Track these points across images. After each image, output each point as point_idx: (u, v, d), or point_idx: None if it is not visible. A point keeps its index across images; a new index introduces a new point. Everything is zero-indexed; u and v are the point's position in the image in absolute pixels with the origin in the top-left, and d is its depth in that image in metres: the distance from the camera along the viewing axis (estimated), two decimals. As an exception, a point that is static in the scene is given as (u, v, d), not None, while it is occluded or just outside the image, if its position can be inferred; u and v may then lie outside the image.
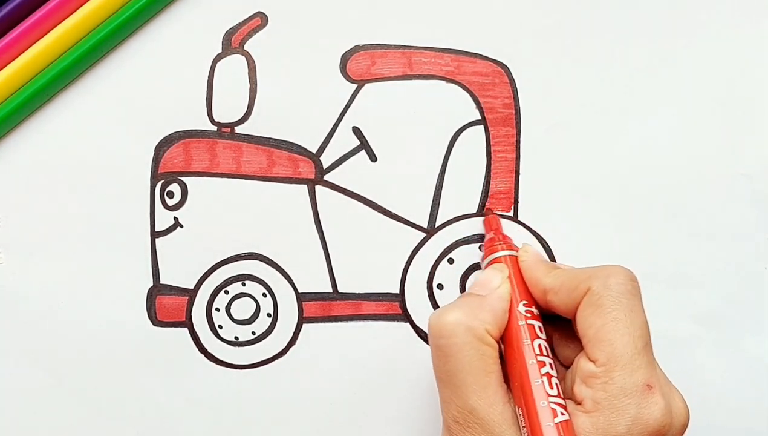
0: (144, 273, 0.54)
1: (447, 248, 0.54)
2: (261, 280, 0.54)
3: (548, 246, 0.54)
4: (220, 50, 0.54)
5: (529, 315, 0.48)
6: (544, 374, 0.46)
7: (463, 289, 0.54)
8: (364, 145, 0.54)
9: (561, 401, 0.45)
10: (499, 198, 0.54)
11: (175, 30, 0.54)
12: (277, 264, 0.54)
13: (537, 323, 0.48)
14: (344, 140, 0.54)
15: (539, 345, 0.47)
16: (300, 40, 0.54)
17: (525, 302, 0.48)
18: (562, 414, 0.44)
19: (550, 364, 0.46)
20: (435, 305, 0.54)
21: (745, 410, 0.55)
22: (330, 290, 0.54)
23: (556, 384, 0.45)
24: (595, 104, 0.55)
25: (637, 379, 0.44)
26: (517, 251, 0.51)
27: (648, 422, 0.43)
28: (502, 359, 0.47)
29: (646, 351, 0.45)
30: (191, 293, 0.54)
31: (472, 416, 0.44)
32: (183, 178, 0.54)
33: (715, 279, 0.54)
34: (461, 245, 0.54)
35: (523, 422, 0.45)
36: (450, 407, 0.45)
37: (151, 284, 0.54)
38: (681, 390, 0.54)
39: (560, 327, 0.49)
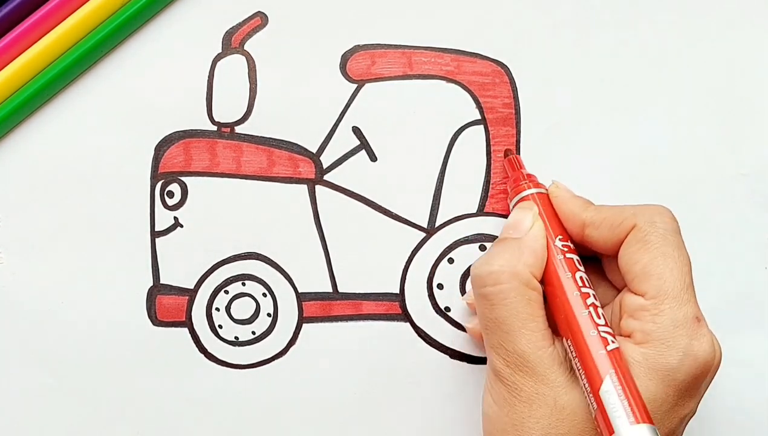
0: (144, 273, 0.54)
1: (447, 247, 0.54)
2: (261, 280, 0.54)
3: (548, 246, 0.54)
4: (220, 50, 0.54)
5: (566, 249, 0.48)
6: (590, 305, 0.45)
7: (463, 289, 0.54)
8: (364, 145, 0.54)
9: (609, 329, 0.45)
10: (499, 198, 0.54)
11: (175, 30, 0.54)
12: (277, 264, 0.54)
13: (575, 257, 0.48)
14: (344, 140, 0.54)
15: (581, 278, 0.46)
16: (300, 40, 0.54)
17: (560, 236, 0.48)
18: (612, 342, 0.44)
19: (594, 295, 0.46)
20: (435, 305, 0.54)
21: (745, 409, 0.55)
22: (330, 289, 0.54)
23: (602, 314, 0.45)
24: (595, 104, 0.55)
25: (687, 311, 0.44)
26: (542, 187, 0.51)
27: (698, 354, 0.44)
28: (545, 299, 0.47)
29: (692, 287, 0.45)
30: (191, 293, 0.54)
31: (522, 359, 0.44)
32: (183, 178, 0.54)
33: (715, 279, 0.54)
34: (461, 245, 0.54)
35: (573, 354, 0.45)
36: (499, 353, 0.45)
37: (151, 283, 0.54)
38: (681, 390, 0.54)
39: (589, 268, 0.49)
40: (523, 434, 0.44)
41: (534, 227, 0.48)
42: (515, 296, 0.45)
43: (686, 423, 0.46)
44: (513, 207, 0.51)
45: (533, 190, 0.50)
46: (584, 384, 0.44)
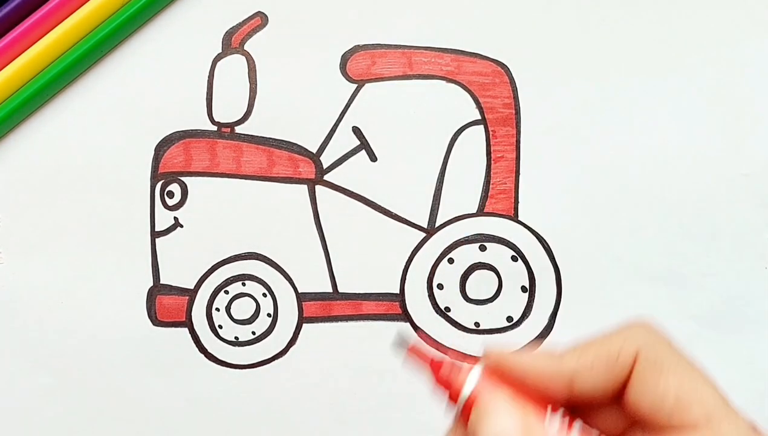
0: (144, 273, 0.54)
1: (447, 247, 0.54)
2: (261, 280, 0.54)
3: (548, 246, 0.54)
4: (220, 50, 0.54)
5: (567, 419, 0.37)
6: None
7: (463, 289, 0.54)
8: (364, 145, 0.54)
9: None
10: (499, 198, 0.54)
11: (175, 30, 0.54)
12: (277, 264, 0.54)
13: (578, 423, 0.37)
14: (344, 140, 0.54)
15: None
16: (300, 40, 0.54)
17: (550, 407, 0.37)
18: None
19: None
20: (435, 305, 0.54)
21: (746, 409, 0.55)
22: (330, 290, 0.54)
23: None
24: (595, 104, 0.55)
25: (744, 425, 0.38)
26: (472, 362, 0.37)
27: None
28: None
29: (730, 401, 0.39)
30: (191, 293, 0.54)
31: None
32: (183, 178, 0.54)
33: (716, 279, 0.54)
34: (461, 245, 0.54)
35: None
36: None
37: (151, 283, 0.54)
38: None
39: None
40: None
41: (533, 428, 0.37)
42: None
43: None
44: (461, 410, 0.38)
45: (475, 375, 0.37)
46: None
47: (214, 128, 0.54)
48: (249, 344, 0.54)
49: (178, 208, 0.54)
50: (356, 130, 0.54)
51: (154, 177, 0.54)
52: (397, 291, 0.54)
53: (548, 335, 0.54)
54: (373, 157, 0.54)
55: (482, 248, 0.54)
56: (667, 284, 0.54)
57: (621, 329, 0.38)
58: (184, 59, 0.54)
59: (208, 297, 0.54)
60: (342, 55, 0.54)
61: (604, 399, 0.38)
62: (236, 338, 0.54)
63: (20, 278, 0.54)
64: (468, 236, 0.54)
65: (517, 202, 0.54)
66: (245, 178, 0.54)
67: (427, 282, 0.54)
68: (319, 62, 0.54)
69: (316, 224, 0.54)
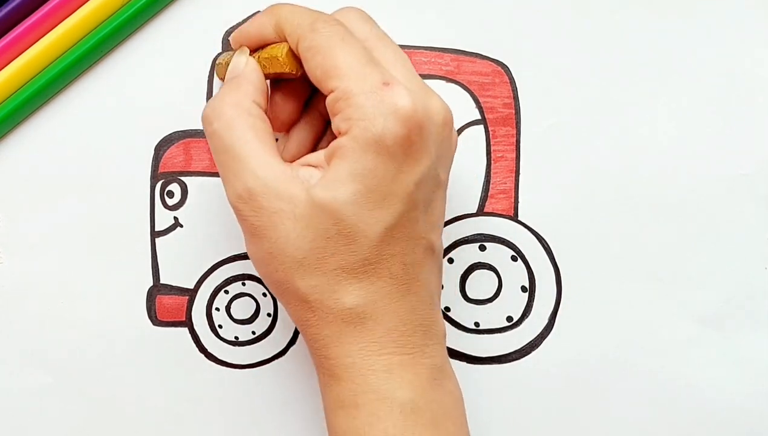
0: (144, 273, 0.54)
1: (447, 247, 0.54)
2: (261, 279, 0.54)
3: (548, 246, 0.54)
4: (220, 50, 0.54)
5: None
6: None
7: (463, 289, 0.54)
8: (364, 145, 0.54)
9: None
10: (499, 198, 0.54)
11: (175, 30, 0.54)
12: (277, 264, 0.54)
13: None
14: (344, 140, 0.54)
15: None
16: (300, 40, 0.54)
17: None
18: None
19: None
20: (435, 305, 0.54)
21: (746, 409, 0.55)
22: (330, 289, 0.54)
23: None
24: (595, 104, 0.55)
25: (372, 81, 0.43)
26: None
27: (397, 111, 0.43)
28: None
29: (373, 63, 0.44)
30: (191, 293, 0.54)
31: (254, 180, 0.44)
32: (183, 178, 0.54)
33: (716, 279, 0.54)
34: (461, 245, 0.54)
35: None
36: (233, 184, 0.45)
37: (151, 283, 0.54)
38: (681, 390, 0.54)
39: None
40: (280, 258, 0.44)
41: (249, 61, 0.47)
42: (239, 123, 0.45)
43: (433, 189, 0.45)
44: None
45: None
46: None
47: (214, 128, 0.54)
48: (249, 344, 0.54)
49: (177, 208, 0.54)
50: (356, 130, 0.54)
51: (154, 177, 0.54)
52: (397, 291, 0.54)
53: (548, 334, 0.54)
54: (373, 157, 0.54)
55: (482, 248, 0.54)
56: (667, 284, 0.54)
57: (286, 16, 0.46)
58: (184, 59, 0.54)
59: (208, 297, 0.54)
60: (342, 55, 0.54)
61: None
62: (236, 337, 0.54)
63: (20, 278, 0.54)
64: (468, 236, 0.54)
65: (517, 202, 0.54)
66: (245, 178, 0.54)
67: (427, 282, 0.54)
68: (319, 62, 0.54)
69: (316, 223, 0.54)
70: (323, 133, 0.50)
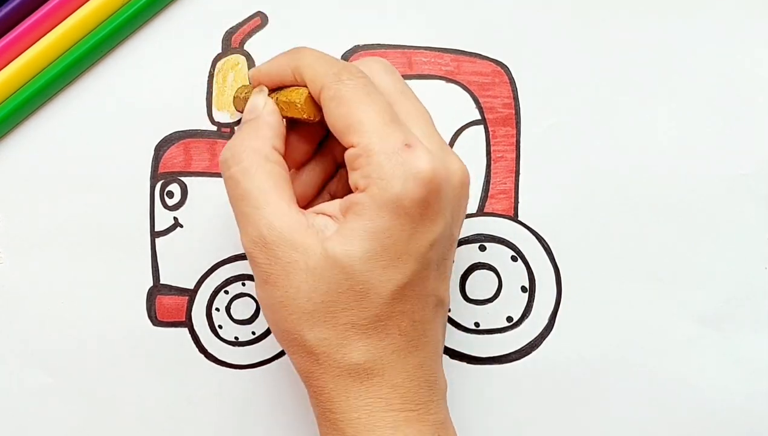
0: (144, 273, 0.54)
1: (447, 247, 0.54)
2: (261, 280, 0.54)
3: (548, 246, 0.54)
4: (220, 50, 0.54)
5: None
6: None
7: (463, 289, 0.54)
8: (364, 145, 0.54)
9: None
10: (499, 198, 0.54)
11: (175, 30, 0.54)
12: (277, 264, 0.54)
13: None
14: (344, 140, 0.54)
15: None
16: (300, 40, 0.54)
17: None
18: None
19: None
20: (435, 305, 0.54)
21: (746, 409, 0.55)
22: (330, 290, 0.54)
23: None
24: (595, 104, 0.55)
25: (394, 141, 0.43)
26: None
27: (417, 174, 0.43)
28: None
29: (396, 122, 0.44)
30: (191, 293, 0.54)
31: (269, 230, 0.44)
32: (183, 178, 0.54)
33: (716, 279, 0.54)
34: (461, 245, 0.54)
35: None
36: (248, 231, 0.45)
37: (151, 284, 0.54)
38: (681, 390, 0.54)
39: None
40: (290, 308, 0.44)
41: (267, 103, 0.47)
42: (257, 169, 0.45)
43: (446, 248, 0.46)
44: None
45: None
46: None
47: (214, 128, 0.54)
48: (249, 344, 0.54)
49: (177, 209, 0.54)
50: (356, 130, 0.54)
51: (154, 177, 0.54)
52: (397, 291, 0.54)
53: (548, 334, 0.54)
54: (373, 157, 0.54)
55: (482, 248, 0.54)
56: (667, 284, 0.54)
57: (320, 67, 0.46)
58: (184, 59, 0.54)
59: (208, 297, 0.54)
60: (342, 55, 0.54)
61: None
62: (236, 338, 0.54)
63: (20, 278, 0.54)
64: (468, 236, 0.54)
65: (517, 202, 0.54)
66: (245, 178, 0.54)
67: (427, 282, 0.54)
68: (319, 62, 0.54)
69: (316, 223, 0.54)
70: (332, 175, 0.50)
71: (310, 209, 0.46)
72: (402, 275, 0.44)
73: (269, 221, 0.44)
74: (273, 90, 0.48)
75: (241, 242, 0.45)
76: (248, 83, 0.52)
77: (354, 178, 0.44)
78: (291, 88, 0.47)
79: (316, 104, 0.46)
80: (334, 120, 0.45)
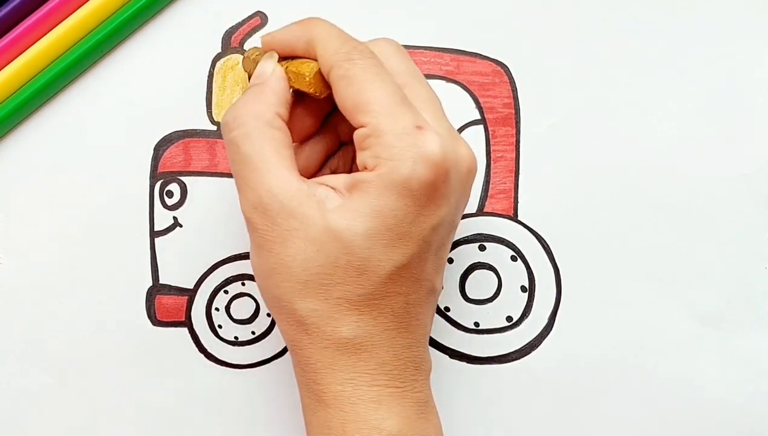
0: (143, 273, 0.54)
1: (447, 247, 0.54)
2: (261, 280, 0.54)
3: (548, 246, 0.54)
4: (220, 50, 0.54)
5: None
6: None
7: (463, 289, 0.54)
8: (363, 145, 0.54)
9: None
10: (498, 198, 0.54)
11: (175, 30, 0.54)
12: (276, 264, 0.54)
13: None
14: (344, 140, 0.54)
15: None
16: (300, 40, 0.54)
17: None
18: None
19: None
20: (435, 305, 0.54)
21: (746, 409, 0.55)
22: (330, 289, 0.54)
23: None
24: (595, 104, 0.55)
25: (405, 122, 0.44)
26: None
27: (428, 158, 0.43)
28: None
29: (406, 104, 0.44)
30: (191, 293, 0.54)
31: (269, 195, 0.44)
32: (182, 178, 0.54)
33: (716, 279, 0.54)
34: (461, 245, 0.54)
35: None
36: (247, 196, 0.45)
37: (150, 283, 0.54)
38: (681, 390, 0.54)
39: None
40: (284, 275, 0.44)
41: (276, 69, 0.47)
42: (258, 134, 0.45)
43: (447, 233, 0.46)
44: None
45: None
46: None
47: (214, 128, 0.54)
48: (249, 344, 0.54)
49: (177, 208, 0.54)
50: (356, 130, 0.54)
51: (154, 177, 0.54)
52: (397, 291, 0.54)
53: (548, 334, 0.54)
54: (372, 157, 0.54)
55: (482, 248, 0.54)
56: (667, 284, 0.54)
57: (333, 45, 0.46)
58: (183, 59, 0.54)
59: (207, 297, 0.54)
60: (342, 55, 0.54)
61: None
62: (236, 337, 0.54)
63: (20, 278, 0.54)
64: (468, 236, 0.54)
65: (517, 202, 0.54)
66: (245, 178, 0.54)
67: (427, 282, 0.54)
68: (318, 62, 0.54)
69: (315, 223, 0.54)
70: (335, 151, 0.50)
71: (313, 180, 0.46)
72: (402, 255, 0.44)
73: (269, 186, 0.44)
74: (283, 58, 0.48)
75: (240, 205, 0.45)
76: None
77: (362, 157, 0.44)
78: (302, 60, 0.47)
79: (324, 80, 0.46)
80: (343, 99, 0.45)
